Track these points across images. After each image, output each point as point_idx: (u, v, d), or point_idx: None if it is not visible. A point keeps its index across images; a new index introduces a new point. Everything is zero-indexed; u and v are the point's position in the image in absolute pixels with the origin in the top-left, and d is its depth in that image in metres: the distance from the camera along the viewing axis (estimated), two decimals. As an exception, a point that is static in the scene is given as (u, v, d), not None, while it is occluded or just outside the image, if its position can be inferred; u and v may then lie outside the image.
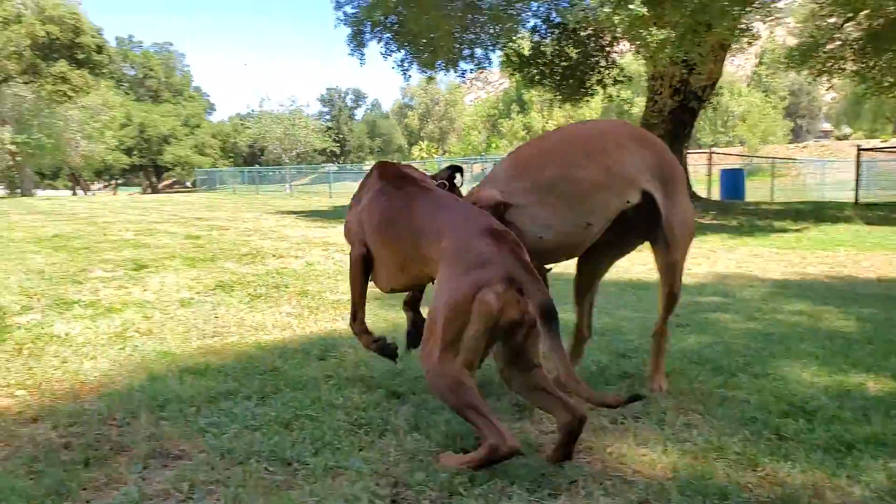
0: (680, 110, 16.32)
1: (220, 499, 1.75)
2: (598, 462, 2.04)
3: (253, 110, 78.63)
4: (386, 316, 4.16)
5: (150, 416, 2.32)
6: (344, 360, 3.08)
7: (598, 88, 18.71)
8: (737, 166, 28.08)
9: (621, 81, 18.86)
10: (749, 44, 15.65)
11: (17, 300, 4.42)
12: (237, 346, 3.33)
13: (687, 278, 6.00)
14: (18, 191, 43.46)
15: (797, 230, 10.91)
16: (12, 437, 2.15)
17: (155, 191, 65.23)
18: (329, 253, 7.63)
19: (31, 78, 27.98)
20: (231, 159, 74.98)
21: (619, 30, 11.89)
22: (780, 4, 15.53)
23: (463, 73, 17.56)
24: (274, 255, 7.22)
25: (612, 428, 2.32)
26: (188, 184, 49.51)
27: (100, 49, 29.06)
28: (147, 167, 68.30)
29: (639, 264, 6.95)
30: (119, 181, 73.49)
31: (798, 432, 2.25)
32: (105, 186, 74.74)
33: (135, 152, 63.51)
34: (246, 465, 1.94)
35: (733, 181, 20.43)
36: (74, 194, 54.17)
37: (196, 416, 2.34)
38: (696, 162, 27.63)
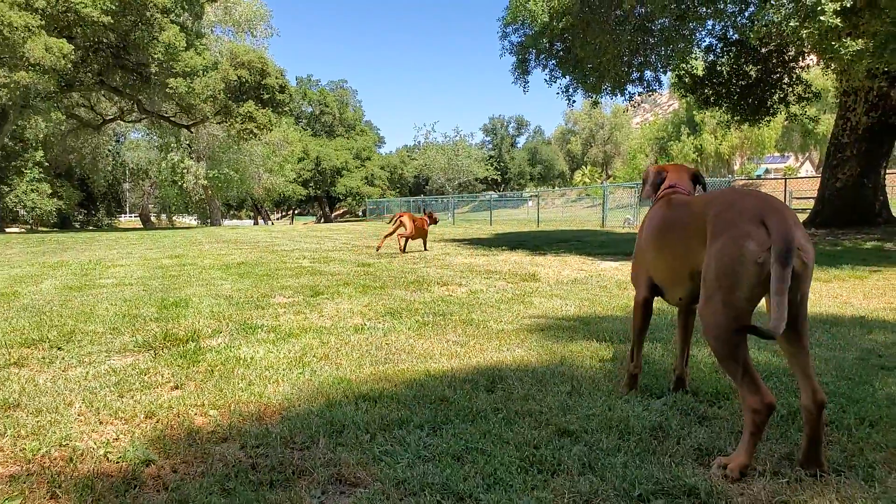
0: (877, 127, 14.77)
1: (397, 530, 1.76)
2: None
3: (419, 142, 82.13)
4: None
5: (328, 441, 2.42)
6: (512, 393, 3.03)
7: (781, 107, 17.45)
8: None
9: (807, 98, 17.45)
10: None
11: (209, 324, 4.85)
12: (408, 373, 3.40)
13: (888, 313, 5.36)
14: (208, 221, 48.53)
15: None
16: (206, 455, 2.32)
17: (327, 220, 69.87)
18: (492, 281, 7.68)
19: (222, 118, 31.20)
20: (398, 189, 78.66)
21: (806, 43, 10.99)
22: None
23: (630, 97, 17.14)
24: (438, 283, 7.38)
25: (810, 482, 2.08)
26: (366, 212, 52.49)
27: (282, 89, 31.78)
28: (321, 197, 73.39)
29: (827, 297, 6.31)
30: (295, 211, 79.63)
31: None
32: (283, 216, 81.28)
33: (311, 184, 68.57)
34: (419, 497, 1.96)
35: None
36: (256, 223, 59.60)
37: (371, 443, 2.40)
38: (892, 182, 24.78)
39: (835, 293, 6.66)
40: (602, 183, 48.43)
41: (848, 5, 9.91)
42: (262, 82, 30.61)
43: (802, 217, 17.61)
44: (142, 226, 50.65)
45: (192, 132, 37.87)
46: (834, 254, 10.74)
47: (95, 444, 2.44)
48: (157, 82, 27.57)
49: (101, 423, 2.69)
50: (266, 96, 31.04)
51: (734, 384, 2.23)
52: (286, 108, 34.79)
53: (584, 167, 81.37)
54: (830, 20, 9.79)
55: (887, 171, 16.09)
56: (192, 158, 42.33)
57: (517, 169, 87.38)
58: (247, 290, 6.79)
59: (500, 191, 76.16)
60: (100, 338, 4.39)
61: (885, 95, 14.39)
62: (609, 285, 7.32)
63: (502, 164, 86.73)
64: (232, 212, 74.81)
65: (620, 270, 8.99)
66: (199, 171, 42.06)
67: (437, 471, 2.14)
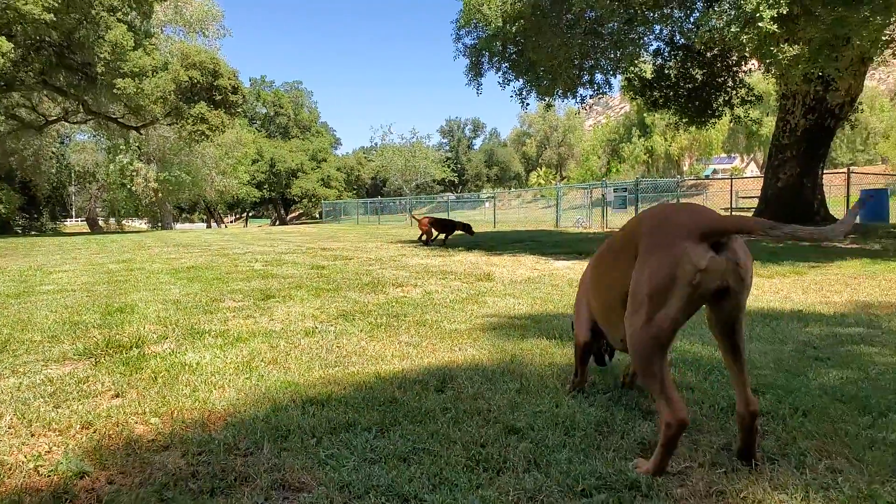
0: (814, 129, 15.35)
1: (341, 534, 1.75)
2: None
3: (376, 143, 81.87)
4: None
5: (272, 446, 2.38)
6: (462, 393, 3.04)
7: (726, 109, 17.98)
8: (879, 186, 25.91)
9: (750, 101, 18.02)
10: (894, 55, 14.49)
11: (155, 330, 4.74)
12: (357, 375, 3.38)
13: (824, 307, 5.56)
14: (159, 224, 47.46)
15: (954, 255, 9.84)
16: (146, 465, 2.26)
17: (283, 222, 69.06)
18: (447, 281, 7.69)
19: (173, 120, 30.52)
20: (355, 191, 78.21)
21: (747, 49, 11.34)
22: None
23: (582, 100, 17.41)
24: (394, 285, 7.36)
25: (745, 470, 2.15)
26: (322, 214, 51.99)
27: (235, 90, 31.25)
28: (276, 200, 72.49)
29: (768, 292, 6.51)
30: (250, 213, 78.48)
31: (966, 481, 2.00)
32: (237, 219, 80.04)
33: (265, 186, 67.70)
34: (364, 500, 1.95)
35: (875, 202, 18.83)
36: (209, 227, 58.46)
37: (317, 447, 2.38)
38: (831, 182, 25.74)
39: (776, 288, 6.88)
40: (556, 184, 49.02)
41: (784, 12, 10.25)
42: (215, 83, 30.07)
43: (746, 216, 18.16)
44: (89, 230, 49.12)
45: (141, 134, 36.95)
46: (775, 251, 11.10)
47: (26, 457, 2.35)
48: (104, 83, 26.81)
49: (33, 435, 2.59)
50: (218, 97, 30.51)
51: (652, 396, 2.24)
52: (239, 110, 34.26)
53: (539, 169, 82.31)
54: (768, 27, 10.12)
55: (824, 171, 16.71)
56: (141, 160, 41.32)
57: (474, 170, 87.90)
58: (196, 295, 6.66)
59: (457, 192, 76.39)
60: (36, 346, 4.24)
61: (821, 99, 14.95)
62: (561, 284, 7.41)
63: (459, 165, 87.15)
64: (184, 215, 73.26)
65: (573, 269, 9.11)
66: (150, 173, 41.08)
67: (382, 473, 2.13)
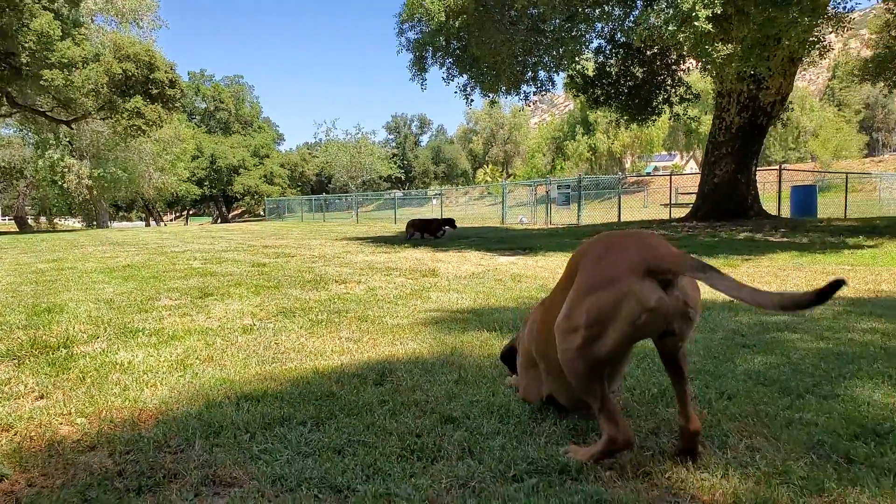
0: (748, 127, 15.91)
1: (269, 526, 1.73)
2: (655, 487, 1.95)
3: (320, 139, 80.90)
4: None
5: (204, 442, 2.34)
6: (400, 385, 3.05)
7: (665, 107, 18.45)
8: (808, 183, 27.06)
9: (688, 99, 18.56)
10: (821, 56, 15.13)
11: (85, 329, 4.58)
12: (295, 371, 3.35)
13: (756, 299, 5.77)
14: (94, 223, 45.77)
15: (872, 246, 10.35)
16: (69, 465, 2.19)
17: (225, 220, 67.61)
18: (391, 278, 7.68)
19: (107, 114, 29.40)
20: (299, 188, 77.14)
21: (684, 47, 11.68)
22: (854, 15, 14.99)
23: (526, 96, 17.58)
24: (337, 281, 7.31)
25: (671, 452, 2.22)
26: (265, 212, 51.02)
27: (173, 83, 30.29)
28: (217, 197, 70.91)
29: (702, 284, 6.73)
30: (190, 211, 76.55)
31: (868, 456, 2.14)
32: (177, 217, 77.99)
33: (206, 183, 66.15)
34: (296, 493, 1.94)
35: (804, 198, 19.70)
36: (148, 225, 56.73)
37: (250, 442, 2.35)
38: (765, 179, 26.73)
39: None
40: (502, 181, 49.43)
41: (719, 12, 10.59)
42: (151, 76, 29.10)
43: (685, 211, 18.72)
44: (17, 229, 47.00)
45: (72, 128, 35.50)
46: (712, 244, 11.48)
47: (-60, 462, 2.24)
48: (30, 74, 25.60)
49: (-52, 439, 2.48)
50: (155, 91, 29.53)
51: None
52: (177, 104, 33.23)
53: (485, 166, 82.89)
54: (703, 26, 10.44)
55: (757, 168, 17.35)
56: (73, 156, 39.67)
57: (421, 167, 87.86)
58: (130, 294, 6.46)
59: (404, 189, 76.22)
60: (-43, 348, 4.05)
61: (754, 97, 15.51)
62: (504, 279, 7.49)
63: (406, 162, 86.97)
64: (121, 213, 70.87)
65: (516, 265, 9.22)
66: (83, 170, 39.44)
67: (316, 465, 2.12)
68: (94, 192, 42.21)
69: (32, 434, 2.48)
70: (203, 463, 2.18)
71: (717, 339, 3.96)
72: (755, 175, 17.05)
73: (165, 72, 29.66)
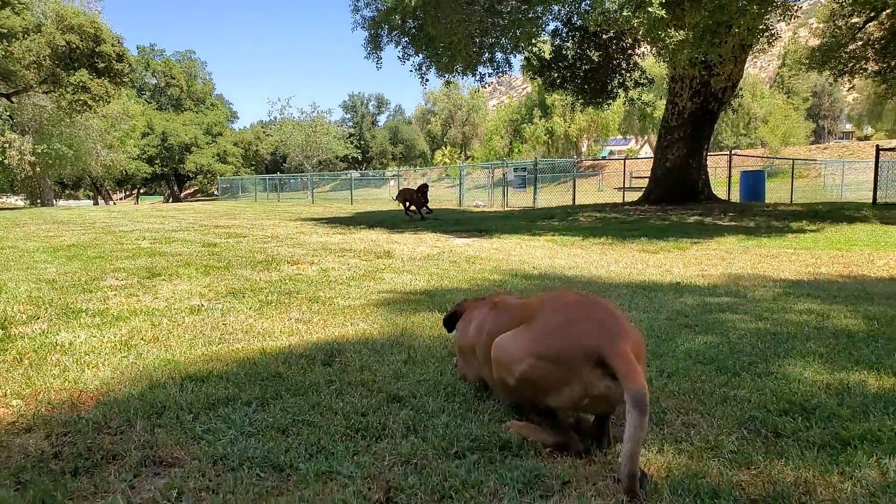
0: (700, 112, 16.21)
1: (209, 505, 1.73)
2: (592, 463, 2.01)
3: (275, 117, 79.33)
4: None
5: (146, 423, 2.31)
6: (348, 366, 3.06)
7: (620, 91, 18.63)
8: (757, 168, 27.80)
9: (643, 84, 18.78)
10: (769, 44, 15.50)
11: (24, 310, 4.45)
12: (242, 352, 3.32)
13: (700, 279, 5.94)
14: (39, 201, 44.16)
15: (814, 231, 10.74)
16: (2, 448, 2.14)
17: (177, 199, 66.05)
18: (345, 259, 7.64)
19: (50, 88, 28.27)
20: (253, 167, 75.69)
21: (639, 32, 11.81)
22: (802, 4, 15.38)
23: (482, 78, 17.53)
24: (289, 262, 7.24)
25: (611, 429, 2.28)
26: (218, 191, 49.86)
27: (120, 57, 29.26)
28: (169, 176, 69.15)
29: (652, 267, 6.89)
30: (141, 190, 74.54)
31: (795, 430, 2.24)
32: (127, 196, 75.87)
33: (157, 161, 64.38)
34: (238, 472, 1.93)
35: (753, 183, 20.24)
36: (96, 204, 55.03)
37: (193, 422, 2.33)
38: (716, 164, 27.35)
39: (659, 263, 7.29)
40: (460, 163, 49.43)
41: (672, -2, 10.75)
42: (97, 49, 28.10)
43: (638, 195, 19.04)
44: (-44, 207, 45.12)
45: (13, 102, 34.11)
46: (662, 227, 11.73)
47: None
48: (-33, 45, 24.51)
49: None
50: (101, 65, 28.53)
51: None
52: (126, 79, 32.21)
53: (444, 147, 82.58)
54: (657, 11, 10.58)
55: (708, 153, 17.72)
56: (15, 132, 38.10)
57: (379, 148, 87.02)
58: (74, 274, 6.28)
59: (361, 170, 75.48)
60: None
61: (706, 83, 15.79)
62: (459, 260, 7.53)
63: (363, 142, 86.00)
64: (67, 192, 68.47)
65: (471, 247, 9.27)
66: (25, 145, 37.91)
67: (259, 445, 2.12)
68: (38, 169, 40.70)
69: (-36, 417, 2.40)
70: (144, 443, 2.15)
71: (661, 320, 4.06)
72: (706, 160, 17.42)
73: (112, 45, 28.68)
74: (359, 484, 1.84)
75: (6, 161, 37.71)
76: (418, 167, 73.15)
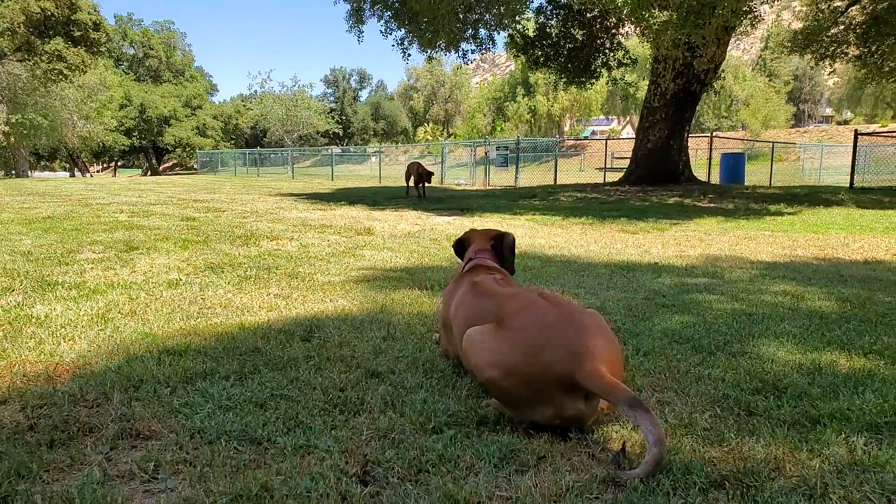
0: (682, 94, 16.26)
1: (186, 478, 1.74)
2: (568, 440, 2.04)
3: (255, 91, 78.23)
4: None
5: (122, 396, 2.30)
6: (327, 341, 3.06)
7: (603, 71, 18.61)
8: (738, 150, 28.00)
9: (626, 64, 18.79)
10: (753, 26, 15.52)
11: None
12: (220, 327, 3.31)
13: (678, 260, 6.01)
14: (13, 172, 43.32)
15: (791, 213, 10.88)
16: (-22, 420, 2.12)
17: (155, 173, 65.14)
18: (325, 235, 7.61)
19: (25, 56, 27.62)
20: (233, 141, 74.79)
21: (623, 12, 11.77)
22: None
23: (465, 55, 17.41)
24: (268, 237, 7.19)
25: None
26: (197, 165, 49.17)
27: (97, 26, 28.62)
28: (147, 149, 68.11)
29: (631, 247, 6.94)
30: (119, 163, 73.35)
31: (767, 408, 2.28)
32: (104, 168, 74.63)
33: (135, 133, 63.34)
34: (215, 445, 1.94)
35: (733, 165, 20.40)
36: (72, 176, 54.05)
37: (171, 396, 2.32)
38: (697, 146, 27.49)
39: (638, 243, 7.34)
40: (442, 141, 49.17)
41: (657, -23, 10.71)
42: (72, 17, 27.47)
43: (619, 175, 19.13)
44: (-73, 177, 44.08)
45: (-14, 70, 33.25)
46: (642, 208, 11.81)
47: None
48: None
49: None
50: (77, 34, 27.91)
51: None
52: (102, 49, 31.58)
53: (426, 124, 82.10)
54: (641, -10, 10.55)
55: (690, 134, 17.82)
56: (-13, 100, 37.22)
57: (360, 123, 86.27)
58: (50, 246, 6.20)
59: (342, 145, 74.85)
60: None
61: (688, 65, 15.83)
62: (440, 238, 7.53)
63: (345, 117, 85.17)
64: (43, 163, 67.24)
65: (452, 225, 9.27)
66: (-1, 115, 37.14)
67: (237, 419, 2.12)
68: (12, 139, 39.85)
69: (-63, 389, 2.37)
70: (120, 416, 2.14)
71: (639, 299, 4.11)
72: (687, 141, 17.52)
73: (89, 13, 28.04)
74: (336, 458, 1.85)
75: (-21, 131, 36.90)
76: (400, 144, 72.71)
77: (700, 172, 19.27)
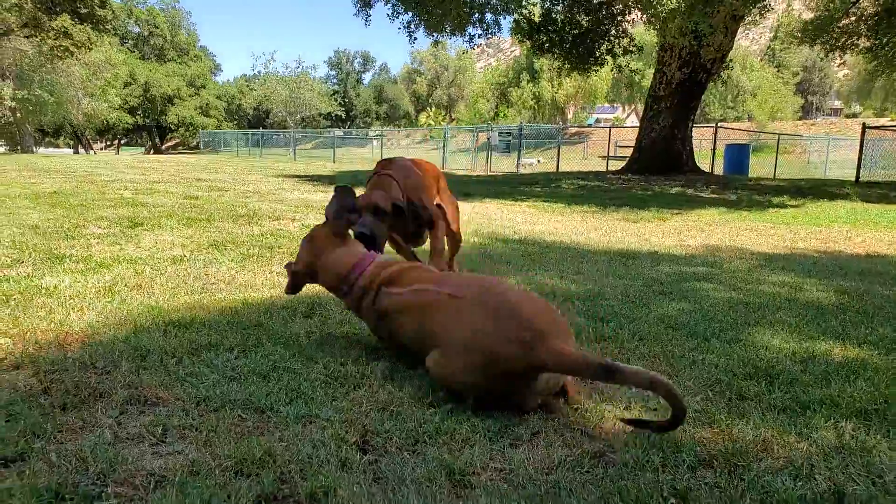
0: (688, 83, 16.19)
1: (192, 442, 1.81)
2: (562, 416, 2.10)
3: (259, 72, 77.93)
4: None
5: (130, 365, 2.37)
6: (328, 319, 3.12)
7: (608, 58, 18.51)
8: (743, 142, 27.93)
9: (631, 51, 18.69)
10: (762, 16, 15.46)
11: (8, 254, 4.47)
12: (224, 302, 3.37)
13: (678, 249, 6.05)
14: (18, 147, 43.34)
15: (795, 206, 10.90)
16: (-6, 383, 2.20)
17: (158, 151, 65.09)
18: (326, 216, 7.64)
19: (31, 32, 27.51)
20: (236, 122, 74.61)
21: (630, -2, 11.75)
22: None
23: (471, 39, 17.33)
24: (270, 217, 7.25)
25: (582, 387, 2.38)
26: (200, 145, 49.07)
27: (103, 3, 28.46)
28: (150, 127, 67.99)
29: (631, 235, 6.99)
30: (122, 141, 73.26)
31: (758, 393, 2.33)
32: (108, 146, 74.47)
33: (139, 112, 63.18)
34: (220, 413, 2.00)
35: (738, 156, 20.37)
36: (76, 153, 54.04)
37: (177, 366, 2.39)
38: (701, 136, 27.40)
39: (639, 232, 7.39)
40: (445, 125, 49.01)
41: (665, -35, 10.66)
42: (79, -7, 27.31)
43: (622, 164, 19.11)
44: (-68, 151, 44.07)
45: (-8, 45, 33.17)
46: (644, 198, 11.84)
47: None
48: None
49: None
50: (84, 10, 27.73)
51: None
52: (108, 26, 31.41)
53: (428, 109, 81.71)
54: (649, -22, 10.50)
55: (694, 124, 17.77)
56: (-6, 76, 37.20)
57: (363, 106, 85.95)
58: (57, 220, 6.27)
59: (345, 128, 74.60)
60: None
61: (695, 53, 15.76)
62: (441, 222, 7.56)
63: (347, 100, 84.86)
64: (48, 139, 67.13)
65: (454, 208, 9.29)
66: (5, 90, 37.07)
67: (241, 388, 2.18)
68: (18, 115, 39.84)
69: (-47, 355, 2.45)
70: (129, 384, 2.21)
71: (637, 286, 4.16)
72: (692, 131, 17.48)
73: (95, -11, 27.87)
74: (337, 427, 1.91)
75: (-15, 105, 36.89)
76: (402, 128, 72.43)
77: (704, 163, 19.25)
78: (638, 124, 19.69)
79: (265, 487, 1.57)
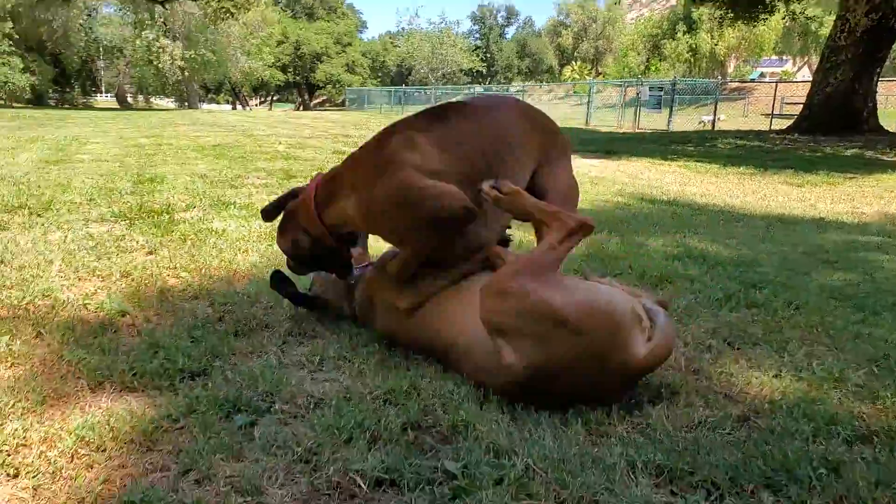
0: (876, 29, 14.30)
1: (345, 372, 2.01)
2: (705, 379, 2.05)
3: (403, 28, 79.11)
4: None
5: (290, 303, 2.58)
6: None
7: (780, 4, 16.77)
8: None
9: (809, -6, 16.81)
10: None
11: (183, 199, 5.01)
12: (373, 248, 3.53)
13: (849, 216, 5.55)
14: (186, 104, 47.26)
15: None
16: (177, 310, 2.54)
17: (307, 108, 68.22)
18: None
19: (197, -5, 29.67)
20: (379, 79, 76.41)
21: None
22: None
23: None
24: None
25: (728, 351, 2.29)
26: (346, 102, 51.08)
27: (261, -34, 30.09)
28: (300, 84, 71.20)
29: (795, 200, 6.51)
30: (274, 97, 77.45)
31: (933, 373, 2.11)
32: (261, 102, 79.05)
33: (290, 69, 66.26)
34: (370, 348, 2.19)
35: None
36: (234, 109, 57.99)
37: (328, 306, 2.60)
38: (889, 91, 24.41)
39: (803, 197, 6.84)
40: (590, 80, 47.43)
41: None
42: (240, -43, 28.99)
43: (788, 123, 17.54)
44: (118, 106, 49.16)
45: (166, 9, 36.16)
46: (812, 160, 10.82)
47: (75, 296, 2.64)
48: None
49: (80, 279, 2.88)
50: (245, -27, 29.51)
51: None
52: (264, -12, 33.15)
53: (573, 63, 79.20)
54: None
55: (880, 78, 15.74)
56: (167, 37, 40.59)
57: (505, 62, 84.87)
58: (221, 171, 6.86)
59: (485, 84, 74.27)
60: (77, 207, 4.53)
61: (888, -5, 13.83)
62: (582, 181, 7.35)
63: (489, 55, 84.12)
64: (210, 95, 72.54)
65: (595, 167, 9.10)
66: (176, 51, 40.45)
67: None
68: (186, 74, 43.33)
69: (146, 282, 2.85)
70: (289, 318, 2.48)
71: (797, 253, 3.88)
72: (877, 85, 15.49)
73: (254, -48, 29.40)
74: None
75: (160, 65, 40.44)
76: (544, 83, 70.89)
77: (889, 122, 17.00)
78: (810, 79, 17.86)
79: (411, 416, 1.71)
